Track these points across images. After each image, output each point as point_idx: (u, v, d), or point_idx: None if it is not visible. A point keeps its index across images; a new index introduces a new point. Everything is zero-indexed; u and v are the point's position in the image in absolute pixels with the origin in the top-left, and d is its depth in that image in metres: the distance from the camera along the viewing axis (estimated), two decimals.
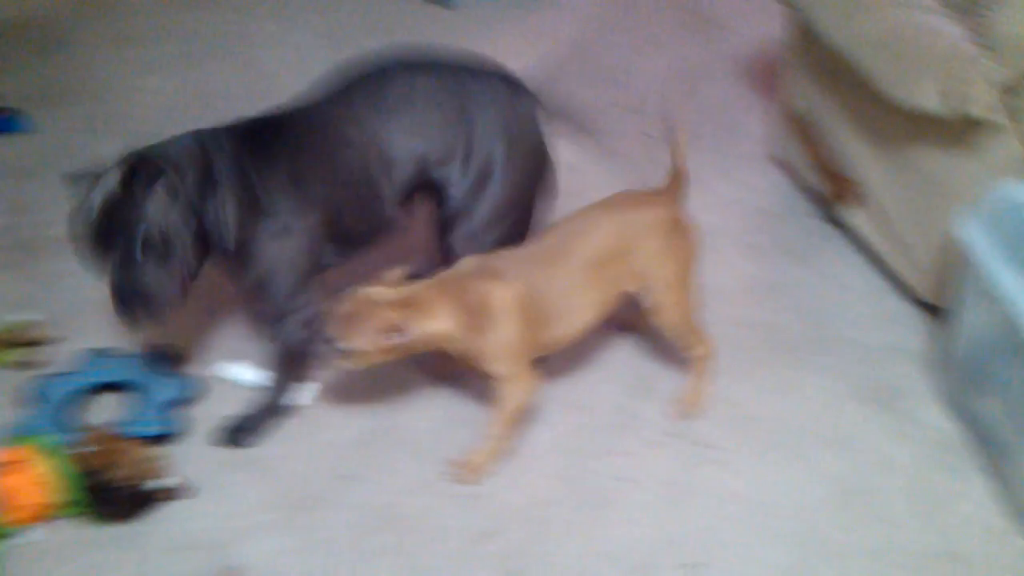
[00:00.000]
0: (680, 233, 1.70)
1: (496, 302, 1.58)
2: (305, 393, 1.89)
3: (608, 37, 3.16)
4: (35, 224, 2.41)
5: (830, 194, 2.14)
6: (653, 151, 2.54)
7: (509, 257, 1.65)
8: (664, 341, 1.88)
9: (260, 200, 1.67)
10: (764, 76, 2.88)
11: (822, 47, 1.95)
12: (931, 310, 1.98)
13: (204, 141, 1.71)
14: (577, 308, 1.65)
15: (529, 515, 1.64)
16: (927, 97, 1.63)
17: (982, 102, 1.57)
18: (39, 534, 1.64)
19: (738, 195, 2.37)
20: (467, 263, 1.66)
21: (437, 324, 1.57)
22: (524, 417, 1.71)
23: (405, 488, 1.70)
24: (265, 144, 1.71)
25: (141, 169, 1.65)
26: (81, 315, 2.11)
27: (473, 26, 3.26)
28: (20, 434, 1.75)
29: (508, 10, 3.34)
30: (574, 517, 1.63)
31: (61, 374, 1.94)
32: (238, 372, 1.95)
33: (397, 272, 1.63)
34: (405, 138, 1.71)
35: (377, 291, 1.58)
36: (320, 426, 1.82)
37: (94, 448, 1.69)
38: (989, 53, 1.55)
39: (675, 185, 1.74)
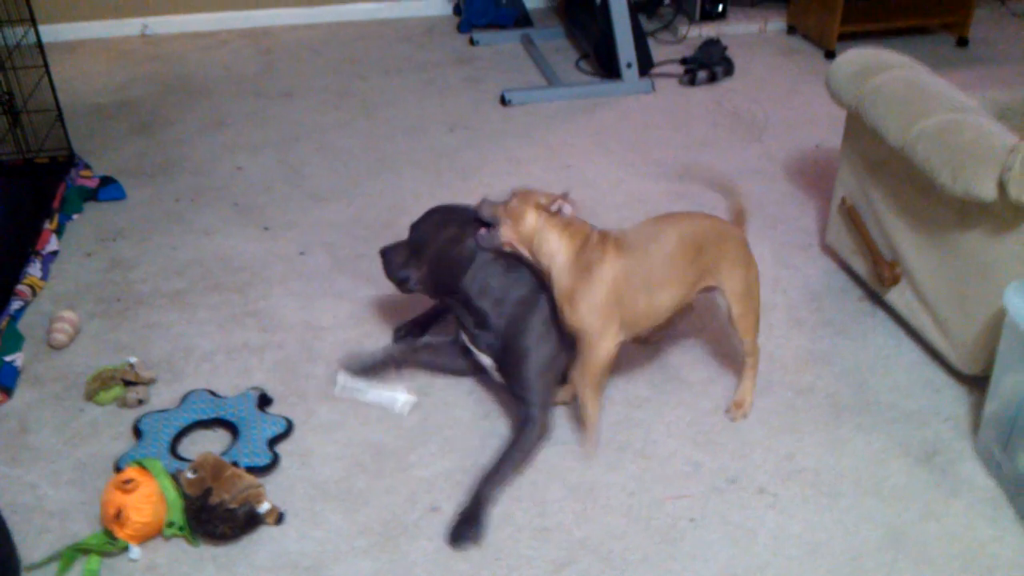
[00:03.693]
0: (749, 257, 2.01)
1: (603, 267, 1.85)
2: (402, 404, 2.09)
3: (661, 136, 3.42)
4: (129, 280, 2.62)
5: (874, 276, 2.34)
6: None
7: (627, 235, 1.93)
8: (724, 398, 2.09)
9: None
10: (806, 175, 3.11)
11: (878, 144, 2.17)
12: (964, 379, 2.15)
13: None
14: (661, 292, 1.91)
15: (601, 548, 1.77)
16: (983, 187, 1.83)
17: None
18: (136, 552, 1.75)
19: (790, 277, 2.57)
20: (602, 232, 1.93)
21: (556, 247, 1.87)
22: (603, 380, 1.95)
23: (487, 523, 1.83)
24: None
25: None
26: (171, 360, 2.29)
27: (538, 122, 3.54)
28: (132, 459, 1.91)
29: (569, 111, 3.63)
30: (644, 551, 1.76)
31: (165, 411, 2.12)
32: (357, 388, 2.16)
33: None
34: None
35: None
36: (409, 463, 1.97)
37: (202, 473, 1.85)
38: None
39: (740, 221, 2.08)
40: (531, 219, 1.88)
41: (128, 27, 4.46)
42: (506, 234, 1.91)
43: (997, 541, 1.77)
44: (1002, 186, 1.80)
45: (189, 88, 3.89)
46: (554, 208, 1.88)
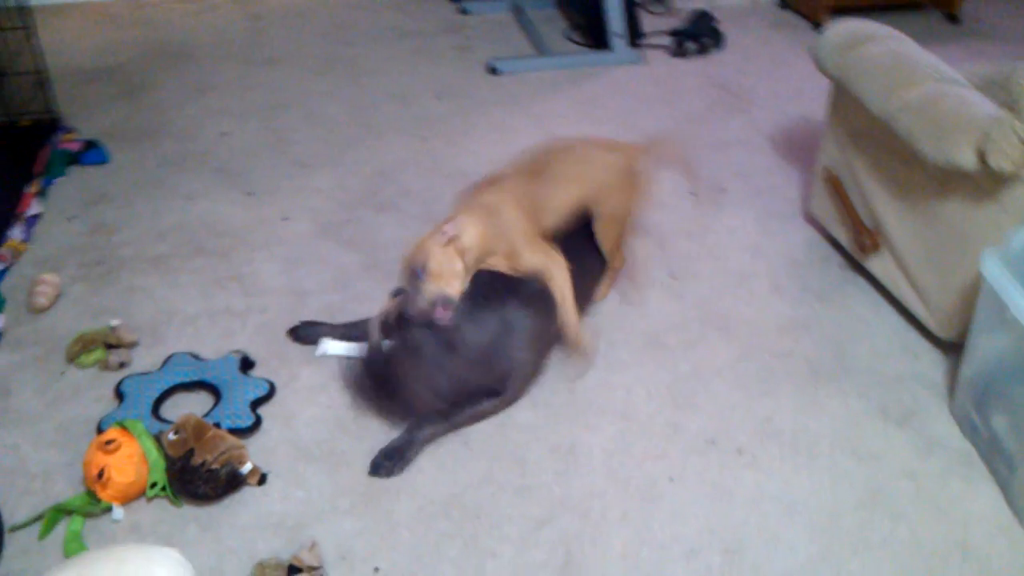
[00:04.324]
0: (630, 180, 2.16)
1: (498, 203, 1.97)
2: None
3: (649, 107, 3.42)
4: (112, 244, 2.61)
5: (855, 244, 2.35)
6: (697, 206, 2.78)
7: (506, 173, 2.08)
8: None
9: None
10: (791, 147, 3.12)
11: (862, 114, 2.18)
12: (942, 344, 2.18)
13: None
14: (552, 210, 2.07)
15: (582, 507, 1.79)
16: (963, 155, 1.84)
17: (1013, 159, 1.77)
18: (118, 513, 1.76)
19: (772, 245, 2.58)
20: (477, 186, 2.07)
21: (472, 229, 1.91)
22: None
23: (468, 482, 1.85)
24: None
25: None
26: (153, 323, 2.29)
27: (526, 91, 3.53)
28: (114, 421, 1.92)
29: (558, 81, 3.62)
30: (623, 510, 1.78)
31: (147, 373, 2.12)
32: (339, 348, 2.18)
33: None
34: None
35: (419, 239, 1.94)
36: (393, 424, 1.98)
37: (184, 434, 1.86)
38: (1018, 117, 1.75)
39: (645, 150, 2.21)
40: (438, 251, 1.88)
41: None
42: (433, 284, 1.88)
43: (970, 499, 1.80)
44: (982, 155, 1.81)
45: (176, 53, 3.86)
46: (445, 239, 1.89)
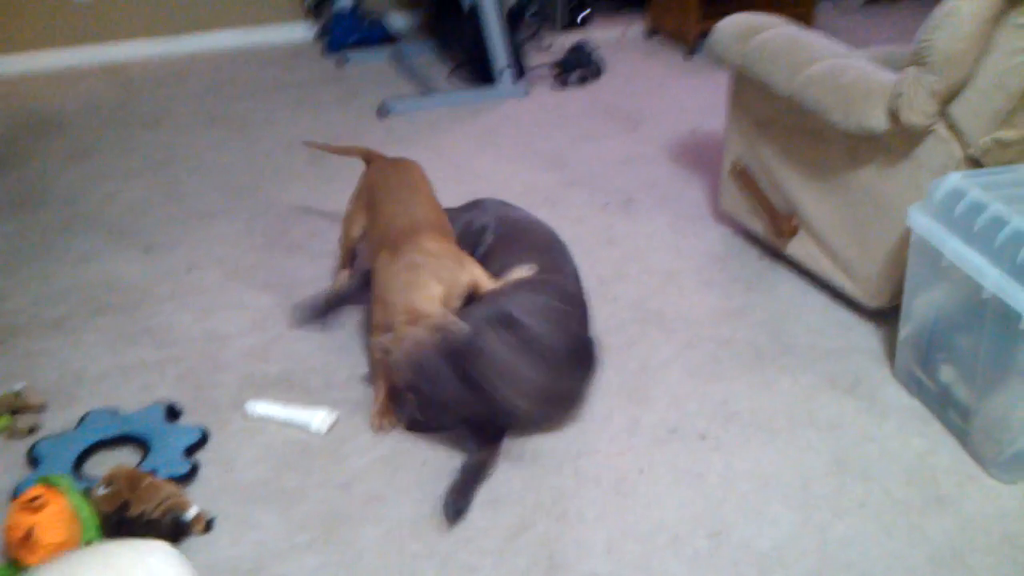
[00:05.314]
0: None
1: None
2: (320, 421, 1.96)
3: (543, 132, 3.46)
4: (6, 312, 2.43)
5: (772, 231, 2.41)
6: (610, 216, 2.80)
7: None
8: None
9: None
10: (686, 156, 3.21)
11: (766, 100, 2.25)
12: (870, 314, 2.24)
13: None
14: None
15: (556, 510, 1.72)
16: (875, 118, 1.92)
17: (925, 111, 1.85)
18: None
19: (691, 245, 2.62)
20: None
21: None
22: None
23: (434, 501, 1.75)
24: None
25: None
26: (61, 385, 2.13)
27: (420, 130, 3.50)
28: (33, 482, 1.74)
29: (449, 118, 3.62)
30: (599, 507, 1.73)
31: (63, 434, 1.95)
32: (268, 410, 2.01)
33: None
34: None
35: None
36: (339, 455, 1.88)
37: (117, 486, 1.70)
38: (925, 71, 1.84)
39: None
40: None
41: None
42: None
43: (932, 453, 1.83)
44: (893, 115, 1.90)
45: (45, 124, 3.65)
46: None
